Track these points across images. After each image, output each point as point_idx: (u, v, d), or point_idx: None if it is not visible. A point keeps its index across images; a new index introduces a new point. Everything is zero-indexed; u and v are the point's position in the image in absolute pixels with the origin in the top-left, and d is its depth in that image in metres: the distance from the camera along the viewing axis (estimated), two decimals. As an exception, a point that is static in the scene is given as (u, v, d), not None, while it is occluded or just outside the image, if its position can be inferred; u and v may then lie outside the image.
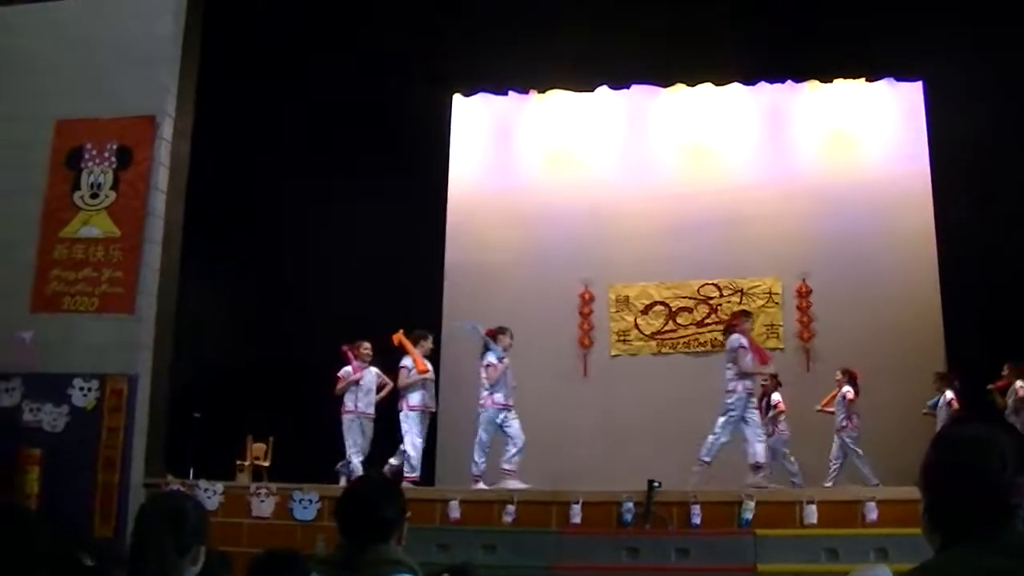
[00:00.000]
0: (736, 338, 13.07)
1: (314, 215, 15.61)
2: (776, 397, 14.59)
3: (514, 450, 13.26)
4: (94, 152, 12.86)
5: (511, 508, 11.74)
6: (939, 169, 16.38)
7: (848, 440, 14.32)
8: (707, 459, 12.91)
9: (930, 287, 16.13)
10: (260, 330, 14.96)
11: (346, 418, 13.70)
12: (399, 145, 16.16)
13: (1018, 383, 13.65)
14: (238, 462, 13.85)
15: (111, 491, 11.74)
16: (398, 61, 15.89)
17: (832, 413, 14.69)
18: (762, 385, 14.59)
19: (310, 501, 11.89)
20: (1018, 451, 2.46)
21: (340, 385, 13.75)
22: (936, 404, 14.25)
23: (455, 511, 11.82)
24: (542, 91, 18.19)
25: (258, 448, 14.19)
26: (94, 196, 12.76)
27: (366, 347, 14.05)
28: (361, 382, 13.83)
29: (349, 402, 13.77)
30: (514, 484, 12.81)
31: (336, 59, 15.59)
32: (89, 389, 12.08)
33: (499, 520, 11.74)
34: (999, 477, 2.41)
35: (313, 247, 15.59)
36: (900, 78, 17.30)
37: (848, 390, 14.41)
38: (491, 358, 13.45)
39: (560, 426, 15.50)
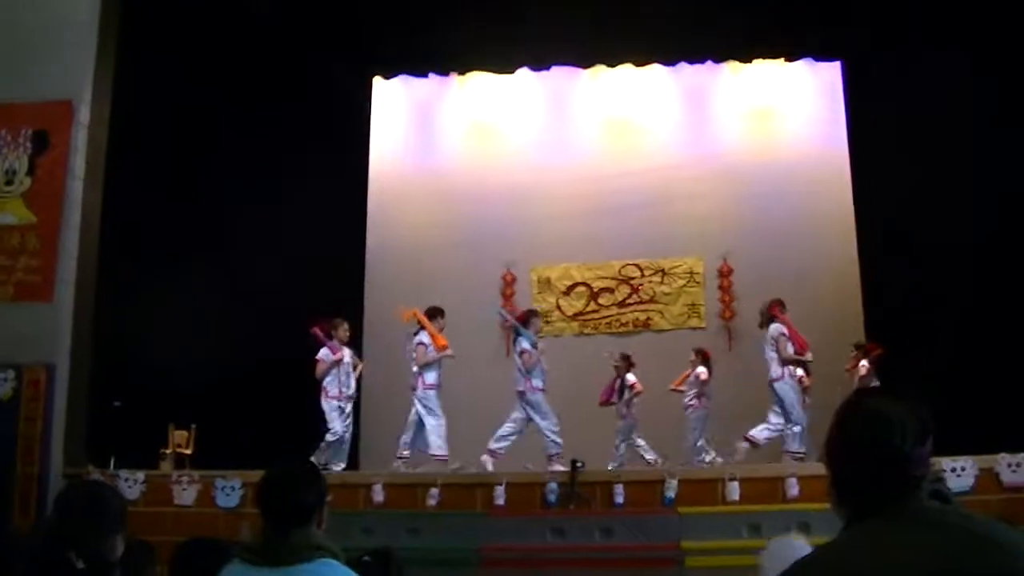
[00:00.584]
0: (777, 327, 13.23)
1: (235, 198, 15.48)
2: (631, 378, 14.61)
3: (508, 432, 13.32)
4: (8, 138, 12.66)
5: (435, 491, 11.75)
6: (858, 148, 16.55)
7: (693, 419, 14.52)
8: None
9: (849, 265, 16.30)
10: (181, 316, 14.81)
11: (330, 404, 13.49)
12: (320, 128, 16.07)
13: (863, 363, 13.93)
14: (161, 450, 13.73)
15: (31, 482, 11.60)
16: (318, 43, 15.79)
17: (683, 392, 14.84)
18: (614, 366, 14.73)
19: (233, 488, 11.83)
20: (918, 422, 2.48)
21: (321, 368, 13.45)
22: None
23: (379, 495, 11.82)
24: (463, 73, 18.17)
25: (180, 436, 14.07)
26: (9, 183, 12.57)
27: (345, 327, 13.87)
28: (342, 363, 13.63)
29: (332, 387, 13.50)
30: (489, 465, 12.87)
31: (256, 42, 15.45)
32: (6, 379, 11.91)
33: (424, 503, 11.75)
34: (900, 449, 2.44)
35: (234, 231, 15.44)
36: (819, 58, 17.46)
37: (702, 371, 14.58)
38: (525, 344, 13.47)
39: (485, 407, 15.45)
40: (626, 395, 14.53)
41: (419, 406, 13.34)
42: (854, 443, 2.51)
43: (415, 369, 13.37)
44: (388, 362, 16.02)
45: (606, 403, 14.69)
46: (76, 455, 12.27)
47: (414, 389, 13.36)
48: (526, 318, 13.85)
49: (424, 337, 13.48)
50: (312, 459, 12.48)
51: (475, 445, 13.88)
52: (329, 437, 13.29)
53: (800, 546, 4.09)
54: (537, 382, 13.35)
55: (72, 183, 12.60)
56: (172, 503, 11.94)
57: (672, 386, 15.10)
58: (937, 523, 2.34)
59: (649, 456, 14.28)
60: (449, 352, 13.58)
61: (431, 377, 13.39)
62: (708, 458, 14.06)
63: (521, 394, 13.36)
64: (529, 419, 13.31)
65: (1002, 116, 14.05)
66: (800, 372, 13.60)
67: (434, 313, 13.84)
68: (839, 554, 2.39)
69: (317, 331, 13.62)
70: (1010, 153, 13.97)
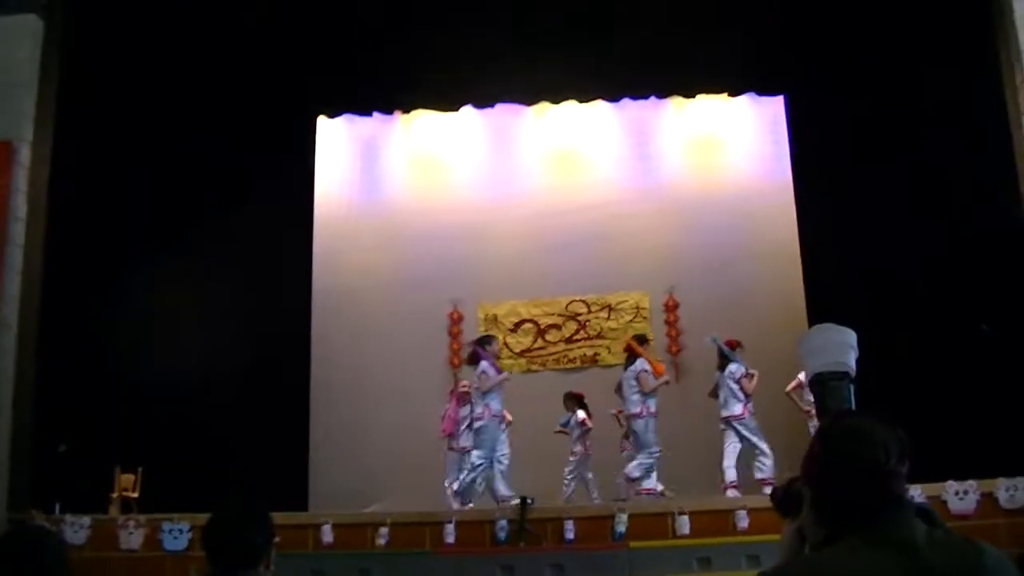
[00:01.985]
0: (738, 367, 13.69)
1: (179, 240, 15.36)
2: (581, 414, 14.65)
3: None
4: (-53, 181, 12.55)
5: (384, 531, 11.70)
6: (801, 180, 16.62)
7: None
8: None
9: (795, 296, 16.32)
10: (126, 357, 14.70)
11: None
12: (265, 166, 15.97)
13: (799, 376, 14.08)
14: (109, 495, 13.59)
15: (-26, 528, 11.44)
16: (260, 82, 15.76)
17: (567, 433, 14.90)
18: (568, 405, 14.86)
19: (180, 531, 11.74)
20: (898, 441, 2.49)
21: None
22: (567, 423, 14.77)
23: (328, 535, 11.76)
24: (407, 111, 18.15)
25: (126, 479, 13.91)
26: (-51, 224, 12.45)
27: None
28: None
29: (495, 403, 13.50)
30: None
31: (199, 80, 15.41)
32: (-53, 422, 11.77)
33: (373, 543, 11.70)
34: (884, 465, 2.44)
35: (180, 272, 15.33)
36: (762, 93, 17.58)
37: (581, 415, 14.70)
38: (742, 370, 13.71)
39: (432, 446, 15.46)
40: (576, 431, 14.54)
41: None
42: (837, 459, 2.51)
43: (739, 399, 13.59)
44: (335, 402, 16.00)
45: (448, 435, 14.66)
46: (20, 500, 12.13)
47: (740, 418, 13.54)
48: (735, 344, 14.11)
49: (644, 365, 13.60)
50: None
51: (423, 483, 13.86)
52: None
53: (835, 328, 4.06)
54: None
55: (14, 225, 12.51)
56: (119, 547, 11.82)
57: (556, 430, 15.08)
58: (921, 544, 2.34)
59: (594, 493, 14.29)
60: (666, 378, 13.94)
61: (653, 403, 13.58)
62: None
63: (739, 418, 13.65)
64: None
65: (942, 147, 14.20)
66: None
67: (643, 341, 14.17)
68: (817, 570, 2.38)
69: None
70: (952, 184, 14.12)
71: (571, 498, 14.09)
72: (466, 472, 13.33)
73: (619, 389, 14.10)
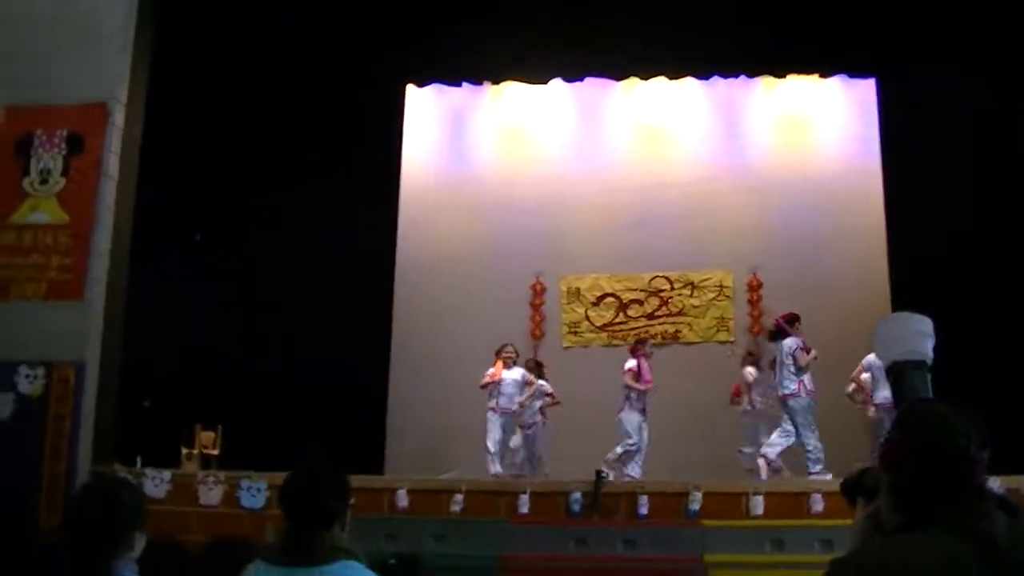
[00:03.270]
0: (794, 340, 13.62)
1: (266, 203, 15.50)
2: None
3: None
4: (44, 139, 12.71)
5: (459, 498, 11.76)
6: (890, 165, 16.46)
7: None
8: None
9: (880, 281, 16.21)
10: (210, 317, 14.87)
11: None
12: (353, 134, 16.09)
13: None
14: (186, 450, 13.76)
15: (58, 481, 11.62)
16: (352, 50, 15.84)
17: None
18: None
19: (258, 490, 11.86)
20: (978, 429, 2.47)
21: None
22: None
23: (403, 500, 11.83)
24: (496, 83, 18.16)
25: (207, 436, 14.08)
26: (43, 182, 12.63)
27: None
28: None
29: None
30: None
31: (291, 47, 15.51)
32: (36, 376, 11.94)
33: (447, 510, 11.76)
34: (965, 452, 2.42)
35: (265, 236, 15.47)
36: (853, 75, 17.39)
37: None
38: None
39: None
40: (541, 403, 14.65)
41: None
42: (919, 446, 2.49)
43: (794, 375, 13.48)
44: (415, 365, 16.10)
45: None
46: (103, 453, 12.31)
47: (795, 396, 13.41)
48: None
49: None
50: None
51: (508, 453, 13.96)
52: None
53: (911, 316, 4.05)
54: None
55: (105, 184, 12.65)
56: (197, 503, 11.98)
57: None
58: (1000, 535, 2.31)
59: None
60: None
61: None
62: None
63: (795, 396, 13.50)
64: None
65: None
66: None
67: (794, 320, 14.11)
68: (898, 555, 2.35)
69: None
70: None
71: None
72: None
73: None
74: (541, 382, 14.69)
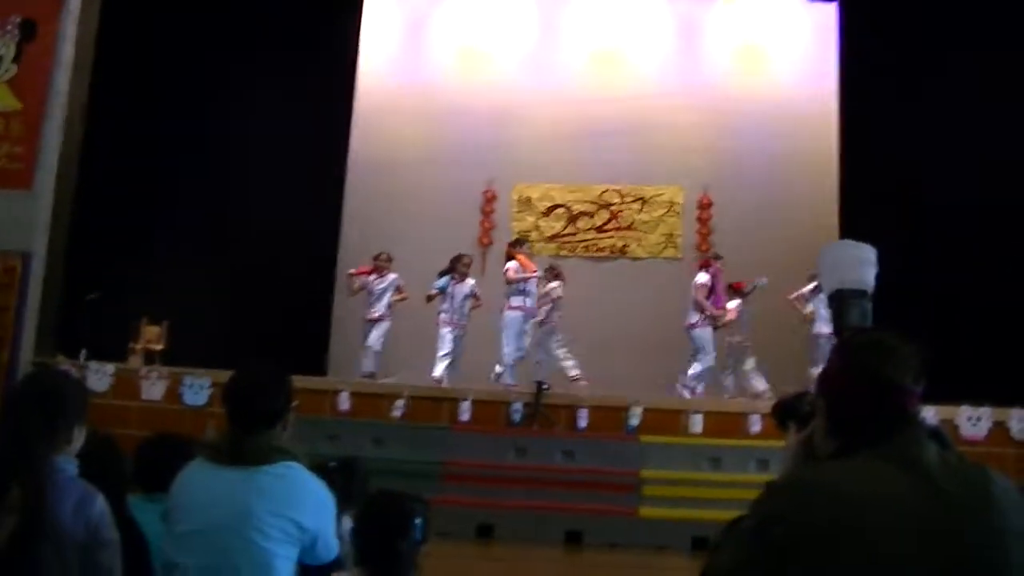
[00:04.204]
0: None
1: (220, 97, 15.37)
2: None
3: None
4: (-4, 24, 12.54)
5: (400, 403, 11.84)
6: (847, 91, 16.49)
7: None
8: None
9: (829, 206, 16.30)
10: (160, 212, 14.78)
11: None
12: (310, 35, 15.92)
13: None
14: (131, 345, 13.73)
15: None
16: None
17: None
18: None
19: (201, 387, 11.90)
20: (917, 359, 2.49)
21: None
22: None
23: (345, 403, 11.89)
24: (457, -13, 18.01)
25: (152, 331, 14.04)
26: (-6, 69, 12.47)
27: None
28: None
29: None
30: None
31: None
32: (-21, 265, 11.88)
33: (389, 414, 11.83)
34: (900, 383, 2.44)
35: (218, 129, 15.35)
36: (815, -2, 17.39)
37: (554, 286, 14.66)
38: None
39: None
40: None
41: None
42: (855, 371, 2.50)
43: None
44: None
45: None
46: (47, 345, 12.28)
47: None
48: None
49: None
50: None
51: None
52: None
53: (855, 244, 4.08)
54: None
55: (58, 72, 12.51)
56: (140, 398, 11.99)
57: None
58: (932, 464, 2.34)
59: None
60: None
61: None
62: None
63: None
64: None
65: (997, 70, 14.02)
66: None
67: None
68: (833, 479, 2.38)
69: None
70: (1007, 105, 13.97)
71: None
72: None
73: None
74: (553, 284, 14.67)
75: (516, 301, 13.71)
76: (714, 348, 13.80)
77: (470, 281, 14.28)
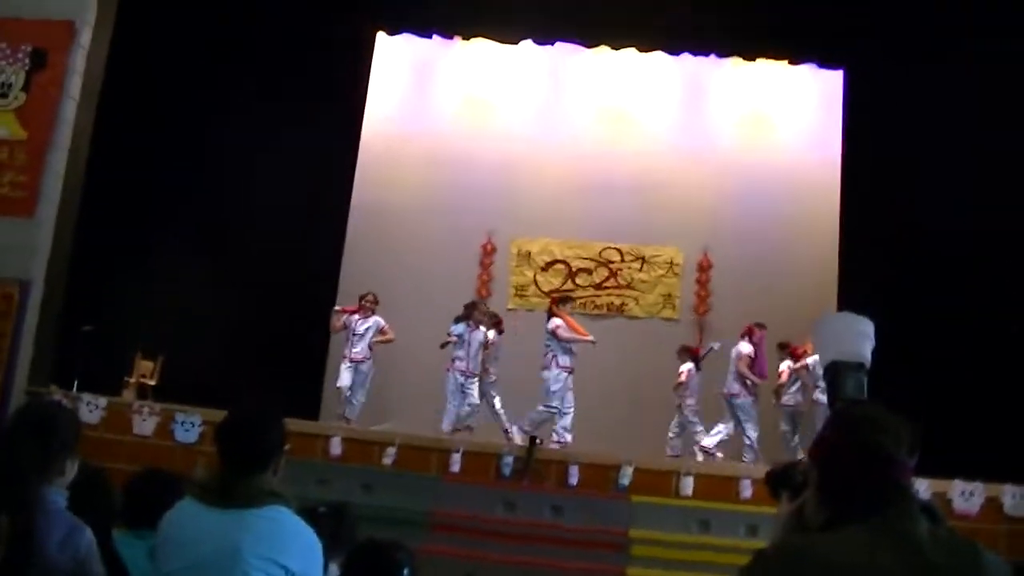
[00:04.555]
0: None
1: (225, 136, 15.39)
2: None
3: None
4: (7, 52, 12.61)
5: (391, 450, 11.81)
6: (850, 158, 16.51)
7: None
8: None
9: (828, 274, 16.28)
10: (161, 246, 14.80)
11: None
12: (319, 77, 15.96)
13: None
14: (125, 378, 13.72)
15: (-9, 397, 11.59)
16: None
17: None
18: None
19: (192, 424, 11.87)
20: (909, 433, 2.50)
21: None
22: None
23: (336, 448, 11.87)
24: (467, 38, 18.05)
25: (146, 366, 14.03)
26: (3, 96, 12.52)
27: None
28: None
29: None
30: None
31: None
32: (-23, 291, 11.89)
33: (380, 461, 11.80)
34: (893, 456, 2.45)
35: (223, 167, 15.39)
36: (822, 65, 17.43)
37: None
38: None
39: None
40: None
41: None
42: (848, 444, 2.52)
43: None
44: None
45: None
46: (41, 374, 12.26)
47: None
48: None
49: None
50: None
51: (436, 410, 13.98)
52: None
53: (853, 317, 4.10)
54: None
55: (66, 103, 12.56)
56: (131, 432, 11.97)
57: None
58: (923, 538, 2.35)
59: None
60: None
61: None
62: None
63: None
64: None
65: (997, 137, 14.09)
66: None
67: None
68: (823, 549, 2.38)
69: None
70: (1004, 173, 14.01)
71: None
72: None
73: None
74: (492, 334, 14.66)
75: (564, 360, 13.64)
76: (757, 417, 13.79)
77: (483, 330, 14.27)
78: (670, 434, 14.27)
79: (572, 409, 13.64)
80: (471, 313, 14.18)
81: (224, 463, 3.80)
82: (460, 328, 14.03)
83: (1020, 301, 13.69)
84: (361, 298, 14.33)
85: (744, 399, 13.71)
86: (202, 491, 3.79)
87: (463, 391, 13.80)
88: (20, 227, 12.18)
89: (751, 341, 13.93)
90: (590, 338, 14.00)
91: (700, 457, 13.40)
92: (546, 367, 13.63)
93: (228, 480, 3.73)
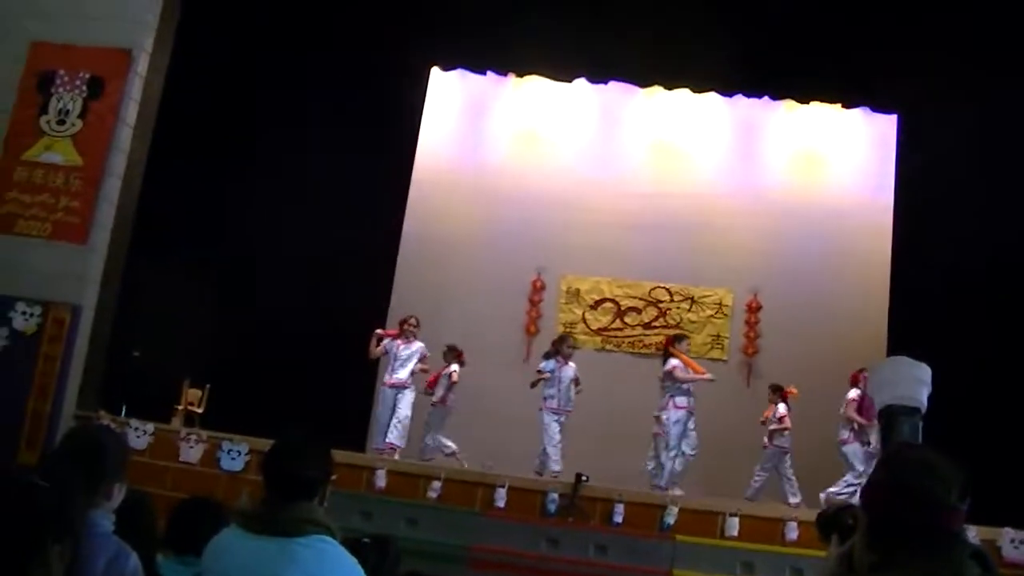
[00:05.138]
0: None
1: (278, 166, 15.50)
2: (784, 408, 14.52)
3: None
4: (66, 78, 12.75)
5: (436, 484, 11.78)
6: (903, 203, 16.46)
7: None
8: None
9: (879, 318, 16.19)
10: (211, 276, 14.89)
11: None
12: (374, 110, 16.06)
13: (780, 406, 13.99)
14: (174, 406, 13.79)
15: (40, 419, 11.68)
16: (383, 25, 15.81)
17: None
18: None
19: (239, 452, 11.89)
20: (962, 478, 2.47)
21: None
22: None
23: (381, 480, 11.86)
24: (520, 75, 18.12)
25: (193, 394, 14.08)
26: (61, 122, 12.66)
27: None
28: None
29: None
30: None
31: (318, 19, 15.48)
32: (32, 314, 12.00)
33: (424, 495, 11.79)
34: (944, 501, 2.42)
35: (275, 197, 15.47)
36: (876, 109, 17.38)
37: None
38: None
39: (497, 410, 15.53)
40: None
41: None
42: (900, 489, 2.49)
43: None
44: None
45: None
46: (89, 398, 12.35)
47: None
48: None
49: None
50: None
51: (484, 444, 13.97)
52: None
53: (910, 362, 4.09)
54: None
55: (122, 131, 12.69)
56: (177, 459, 12.01)
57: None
58: None
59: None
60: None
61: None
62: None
63: None
64: None
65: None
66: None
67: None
68: None
69: None
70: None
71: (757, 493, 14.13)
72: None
73: None
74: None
75: (681, 401, 13.64)
76: (864, 463, 13.67)
77: (573, 365, 14.15)
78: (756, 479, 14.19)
79: (695, 452, 13.69)
80: (560, 348, 14.11)
81: (269, 490, 3.81)
82: (551, 364, 13.96)
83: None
84: (402, 322, 14.23)
85: (850, 446, 13.54)
86: (246, 519, 3.80)
87: (559, 431, 13.75)
88: (73, 253, 12.29)
89: (859, 387, 13.73)
90: (709, 376, 13.96)
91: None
92: (663, 408, 13.68)
93: (273, 508, 3.74)
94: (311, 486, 3.78)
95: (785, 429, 14.06)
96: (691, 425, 13.65)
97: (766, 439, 14.16)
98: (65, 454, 3.75)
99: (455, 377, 14.25)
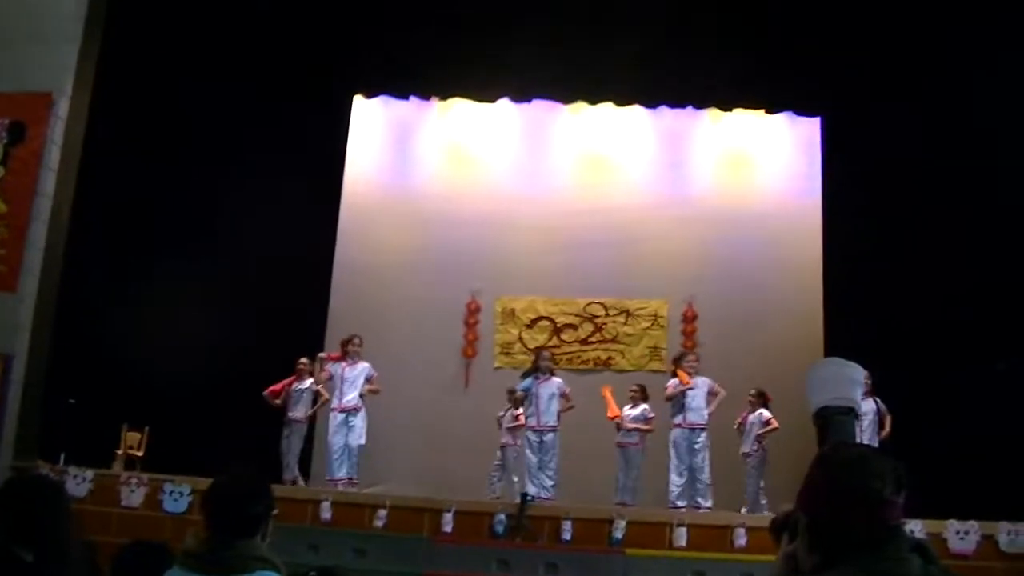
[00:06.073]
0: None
1: (208, 204, 15.42)
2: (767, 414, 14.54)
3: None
4: (-13, 125, 12.61)
5: (382, 513, 11.73)
6: (830, 203, 16.61)
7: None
8: None
9: (814, 318, 16.31)
10: (143, 318, 14.75)
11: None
12: (298, 141, 16.00)
13: (761, 411, 14.17)
14: (115, 451, 13.64)
15: (-24, 472, 11.50)
16: (302, 56, 15.79)
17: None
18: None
19: (181, 494, 11.78)
20: (895, 472, 2.49)
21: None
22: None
23: (326, 512, 11.79)
24: (444, 98, 18.13)
25: (132, 437, 13.96)
26: (-19, 171, 12.52)
27: None
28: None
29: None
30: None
31: (239, 51, 15.43)
32: (-39, 365, 11.83)
33: (370, 524, 11.73)
34: (880, 494, 2.43)
35: (204, 236, 15.38)
36: (799, 113, 17.53)
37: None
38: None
39: (438, 435, 15.50)
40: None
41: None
42: (834, 486, 2.51)
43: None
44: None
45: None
46: (26, 448, 12.18)
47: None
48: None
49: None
50: None
51: (426, 470, 13.91)
52: None
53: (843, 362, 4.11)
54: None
55: (45, 175, 12.54)
56: (119, 504, 11.88)
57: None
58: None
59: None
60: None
61: None
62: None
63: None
64: None
65: (973, 178, 14.19)
66: None
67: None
68: None
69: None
70: (979, 213, 14.10)
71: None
72: None
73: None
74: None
75: (677, 419, 13.70)
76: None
77: (556, 380, 14.00)
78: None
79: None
80: (538, 364, 14.00)
81: (212, 529, 3.77)
82: (527, 383, 13.79)
83: (1007, 339, 13.72)
84: (345, 343, 14.08)
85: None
86: (190, 559, 3.76)
87: (540, 447, 13.59)
88: (2, 301, 12.15)
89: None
90: (690, 384, 13.87)
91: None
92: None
93: (216, 547, 3.70)
94: (254, 522, 3.74)
95: (773, 430, 14.15)
96: (696, 443, 13.60)
97: (754, 445, 14.20)
98: (4, 507, 3.70)
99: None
